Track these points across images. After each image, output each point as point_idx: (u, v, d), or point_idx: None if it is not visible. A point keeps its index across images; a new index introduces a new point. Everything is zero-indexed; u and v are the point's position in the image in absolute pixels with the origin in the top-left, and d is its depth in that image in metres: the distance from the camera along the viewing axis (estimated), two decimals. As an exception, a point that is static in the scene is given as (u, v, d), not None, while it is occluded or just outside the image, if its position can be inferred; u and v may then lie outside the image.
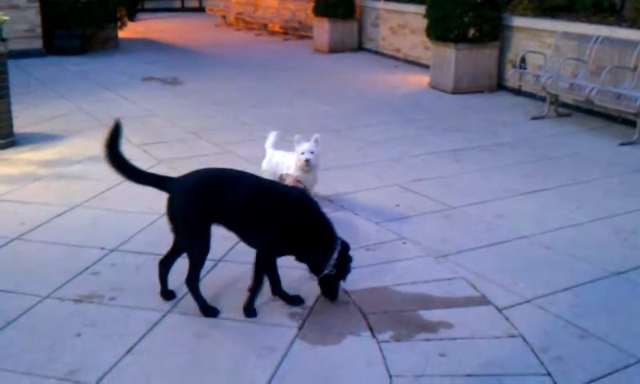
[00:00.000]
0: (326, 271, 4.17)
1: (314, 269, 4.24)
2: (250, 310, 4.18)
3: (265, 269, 4.21)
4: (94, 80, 12.44)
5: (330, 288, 4.28)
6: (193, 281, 4.17)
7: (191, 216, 4.07)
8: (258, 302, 4.29)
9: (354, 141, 8.37)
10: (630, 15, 10.72)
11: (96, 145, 7.94)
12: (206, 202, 4.04)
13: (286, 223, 4.09)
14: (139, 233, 5.40)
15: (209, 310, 4.18)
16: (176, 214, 4.10)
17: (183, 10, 30.10)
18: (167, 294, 4.37)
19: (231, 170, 4.37)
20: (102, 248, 5.09)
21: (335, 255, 4.15)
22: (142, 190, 6.30)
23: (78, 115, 9.54)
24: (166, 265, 4.35)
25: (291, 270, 4.41)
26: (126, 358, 3.72)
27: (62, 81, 12.30)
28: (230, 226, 4.20)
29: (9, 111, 7.87)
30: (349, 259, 4.27)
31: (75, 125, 8.95)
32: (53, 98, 10.68)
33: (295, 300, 4.32)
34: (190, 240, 4.15)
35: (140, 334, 3.95)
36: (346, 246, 4.25)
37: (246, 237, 4.26)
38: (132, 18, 24.17)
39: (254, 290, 4.19)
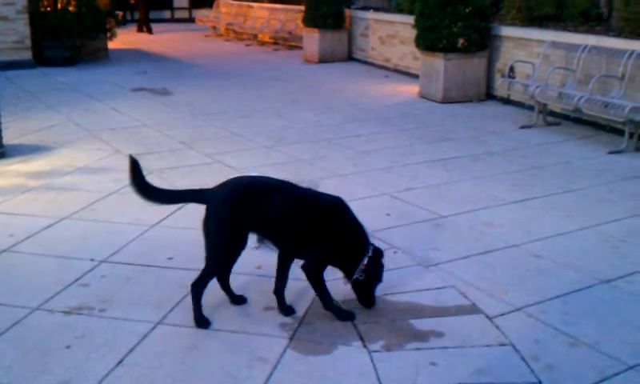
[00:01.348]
0: (355, 276, 4.21)
1: (346, 273, 4.27)
2: (343, 313, 4.25)
3: (319, 281, 4.21)
4: (84, 91, 12.43)
5: (364, 294, 4.32)
6: (199, 287, 4.16)
7: (227, 225, 4.08)
8: (249, 311, 4.31)
9: (345, 150, 8.39)
10: (618, 24, 10.80)
11: (86, 156, 7.98)
12: (243, 210, 4.07)
13: (323, 230, 4.14)
14: (129, 244, 5.39)
15: (201, 320, 4.17)
16: (211, 220, 4.09)
17: (173, 20, 30.13)
18: (236, 299, 4.42)
19: (267, 178, 4.40)
20: (92, 259, 5.08)
21: (365, 261, 4.19)
22: (131, 201, 6.32)
23: (67, 126, 9.52)
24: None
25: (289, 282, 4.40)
26: (116, 370, 3.70)
27: (51, 92, 12.27)
28: (266, 234, 4.23)
29: (-2, 123, 7.86)
30: (380, 266, 4.31)
31: (65, 136, 8.93)
32: (42, 110, 10.66)
33: (288, 309, 4.32)
34: (216, 248, 4.13)
35: (130, 345, 3.94)
36: (378, 253, 4.28)
37: (282, 244, 4.27)
38: (149, 30, 24.21)
39: (326, 302, 4.24)
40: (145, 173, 4.23)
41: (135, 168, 4.14)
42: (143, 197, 4.19)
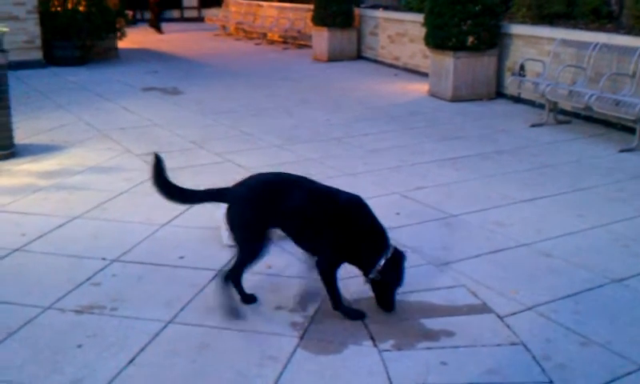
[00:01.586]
0: (371, 276, 4.19)
1: (363, 272, 4.27)
2: (352, 313, 4.25)
3: (331, 279, 4.20)
4: (94, 90, 12.47)
5: (382, 296, 4.29)
6: (229, 279, 4.20)
7: (249, 220, 4.14)
8: (260, 310, 4.33)
9: (354, 149, 8.38)
10: (628, 22, 10.76)
11: (96, 155, 8.00)
12: (264, 206, 4.11)
13: (339, 227, 4.14)
14: (140, 243, 5.41)
15: (233, 311, 4.21)
16: (235, 219, 4.14)
17: (183, 20, 30.17)
18: (248, 298, 4.43)
19: (286, 174, 4.44)
20: (103, 259, 5.09)
21: (382, 261, 4.15)
22: (142, 200, 6.38)
23: (78, 126, 9.56)
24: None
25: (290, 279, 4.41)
26: (127, 369, 3.72)
27: (61, 92, 12.32)
28: (286, 230, 4.26)
29: (9, 122, 7.89)
30: (400, 268, 4.24)
31: (75, 135, 8.96)
32: (53, 109, 10.70)
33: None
34: (244, 243, 4.17)
35: (142, 344, 3.95)
36: (398, 255, 4.23)
37: (301, 241, 4.29)
38: (159, 29, 24.10)
39: (336, 301, 4.23)
40: (167, 171, 4.25)
41: (158, 166, 4.16)
42: (165, 196, 4.22)
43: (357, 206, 4.26)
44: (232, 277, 4.21)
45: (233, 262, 4.21)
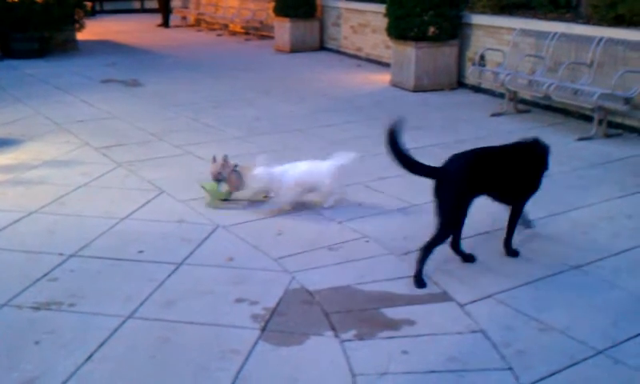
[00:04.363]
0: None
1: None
2: (513, 251, 5.06)
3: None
4: (53, 83, 12.25)
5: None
6: (428, 250, 4.59)
7: (463, 193, 4.59)
8: (220, 303, 4.30)
9: (317, 140, 8.36)
10: (586, 12, 10.86)
11: (54, 149, 7.87)
12: (477, 177, 4.63)
13: (539, 170, 4.96)
14: (98, 238, 5.33)
15: (420, 281, 4.55)
16: (449, 192, 4.57)
17: (143, 11, 29.78)
18: (467, 257, 4.95)
19: (479, 148, 4.93)
20: (61, 254, 5.01)
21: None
22: (100, 194, 6.29)
23: (36, 119, 9.39)
24: (456, 246, 4.92)
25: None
26: (86, 366, 3.66)
27: (19, 85, 12.08)
28: (492, 192, 4.83)
29: (-36, 116, 7.73)
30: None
31: (33, 129, 8.80)
32: (10, 103, 10.49)
33: (514, 252, 5.05)
34: (450, 213, 4.59)
35: (100, 340, 3.90)
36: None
37: (506, 197, 4.93)
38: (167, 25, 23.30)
39: (512, 234, 5.03)
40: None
41: (395, 132, 4.60)
42: (396, 162, 4.64)
43: (544, 147, 4.98)
44: (429, 249, 4.59)
45: (435, 233, 4.57)
